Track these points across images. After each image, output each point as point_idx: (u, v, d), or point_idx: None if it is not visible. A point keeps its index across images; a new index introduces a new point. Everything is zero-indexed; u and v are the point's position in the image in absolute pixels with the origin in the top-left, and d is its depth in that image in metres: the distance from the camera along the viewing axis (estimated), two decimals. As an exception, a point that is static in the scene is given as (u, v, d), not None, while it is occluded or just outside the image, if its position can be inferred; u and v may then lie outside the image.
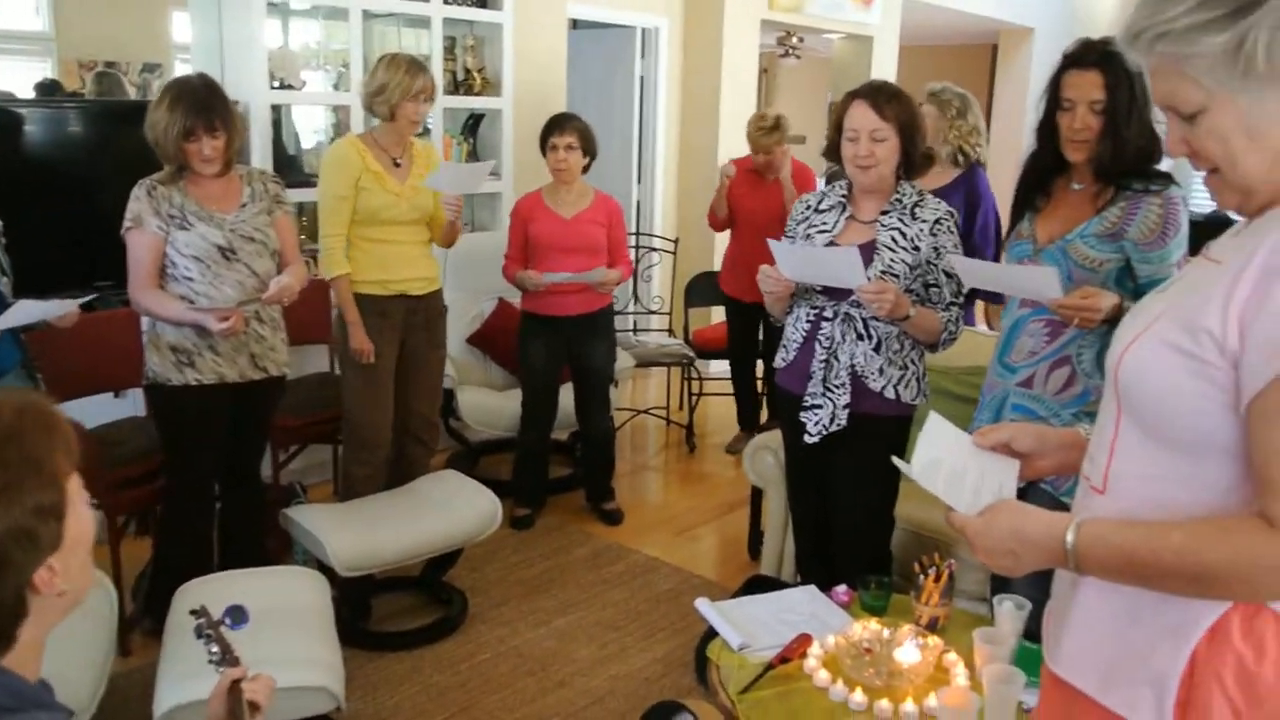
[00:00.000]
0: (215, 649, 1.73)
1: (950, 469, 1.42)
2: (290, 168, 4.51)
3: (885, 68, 7.46)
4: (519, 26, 5.10)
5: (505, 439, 4.53)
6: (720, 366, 5.52)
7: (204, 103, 2.87)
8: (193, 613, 1.82)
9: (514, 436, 4.31)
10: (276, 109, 4.47)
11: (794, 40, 9.22)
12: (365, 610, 3.38)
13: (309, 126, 5.12)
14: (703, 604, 2.51)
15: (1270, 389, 1.05)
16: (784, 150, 4.67)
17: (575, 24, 6.05)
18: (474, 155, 5.12)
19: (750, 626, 2.43)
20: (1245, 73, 1.10)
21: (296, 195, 4.27)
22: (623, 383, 4.88)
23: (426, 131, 4.80)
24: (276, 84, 4.30)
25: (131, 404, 3.68)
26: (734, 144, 5.69)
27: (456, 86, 4.99)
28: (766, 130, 4.62)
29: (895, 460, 1.42)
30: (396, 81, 3.34)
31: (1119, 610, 1.23)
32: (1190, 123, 1.17)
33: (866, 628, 2.33)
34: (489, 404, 4.41)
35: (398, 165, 3.48)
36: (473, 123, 5.18)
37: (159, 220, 2.91)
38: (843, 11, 6.97)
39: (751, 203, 4.68)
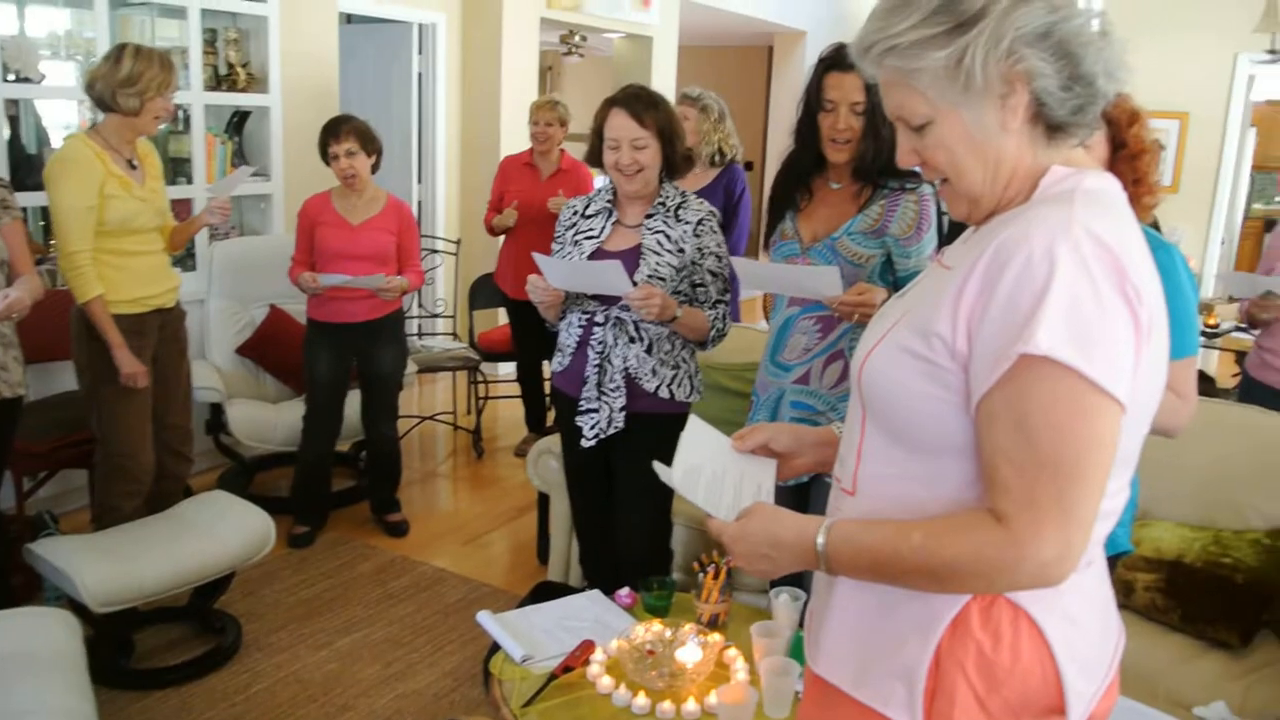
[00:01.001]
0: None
1: (710, 473, 1.43)
2: (30, 168, 4.13)
3: (665, 68, 7.58)
4: (286, 20, 4.86)
5: (283, 453, 4.32)
6: (509, 368, 5.47)
7: None
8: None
9: (292, 450, 4.11)
10: (14, 104, 4.10)
11: (576, 39, 9.24)
12: (127, 648, 3.13)
13: (58, 122, 4.71)
14: (484, 617, 2.46)
15: (994, 391, 1.09)
16: (560, 135, 4.70)
17: (349, 19, 5.83)
18: (239, 155, 4.86)
19: (533, 636, 2.40)
20: (965, 87, 1.15)
21: (42, 199, 3.93)
22: (407, 389, 4.74)
23: (183, 130, 4.52)
24: (11, 76, 3.93)
25: None
26: (516, 142, 5.63)
27: (219, 82, 4.71)
28: (549, 105, 4.67)
29: (656, 466, 1.42)
30: (152, 75, 3.09)
31: (870, 608, 1.26)
32: (919, 134, 1.22)
33: (649, 629, 2.33)
34: (262, 417, 4.18)
35: (134, 167, 3.23)
36: (238, 120, 4.91)
37: None
38: (622, 11, 7.02)
39: (527, 198, 4.64)
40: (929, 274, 1.30)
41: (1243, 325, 4.00)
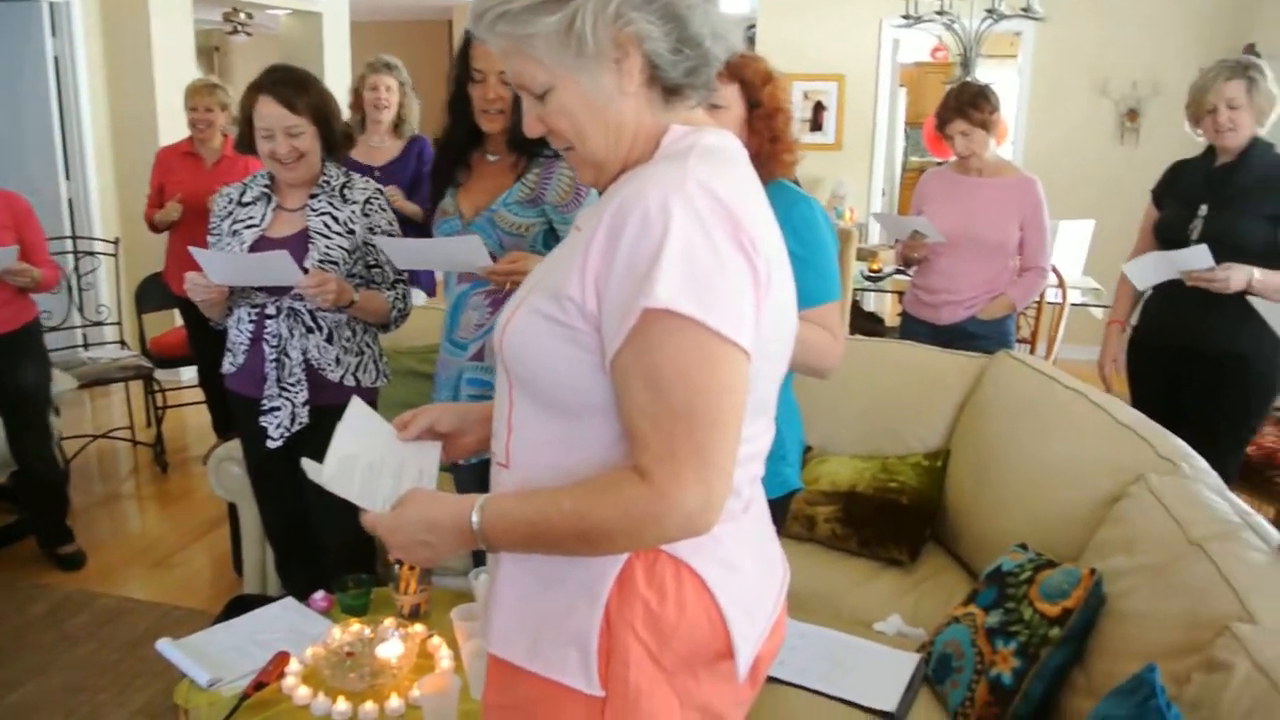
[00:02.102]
0: None
1: (367, 464, 1.36)
2: None
3: (338, 45, 7.28)
4: (-125, 0, 4.24)
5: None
6: (191, 373, 5.09)
7: None
8: None
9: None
10: None
11: (241, 16, 8.71)
12: None
13: None
14: (164, 644, 2.27)
15: (624, 348, 1.09)
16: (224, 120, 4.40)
17: (-38, -3, 5.18)
18: None
19: (222, 657, 2.25)
20: (579, 52, 1.15)
21: None
22: (73, 406, 4.31)
23: None
24: None
25: None
26: (177, 129, 5.21)
27: None
28: (206, 88, 4.37)
29: (305, 464, 1.33)
30: None
31: (536, 579, 1.24)
32: (542, 101, 1.20)
33: (347, 630, 2.24)
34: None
35: None
36: None
37: None
38: (285, -14, 6.68)
39: (191, 190, 4.30)
40: (568, 238, 1.29)
41: (902, 268, 4.35)
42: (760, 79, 2.00)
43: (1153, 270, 3.08)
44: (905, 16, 5.52)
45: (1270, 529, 2.08)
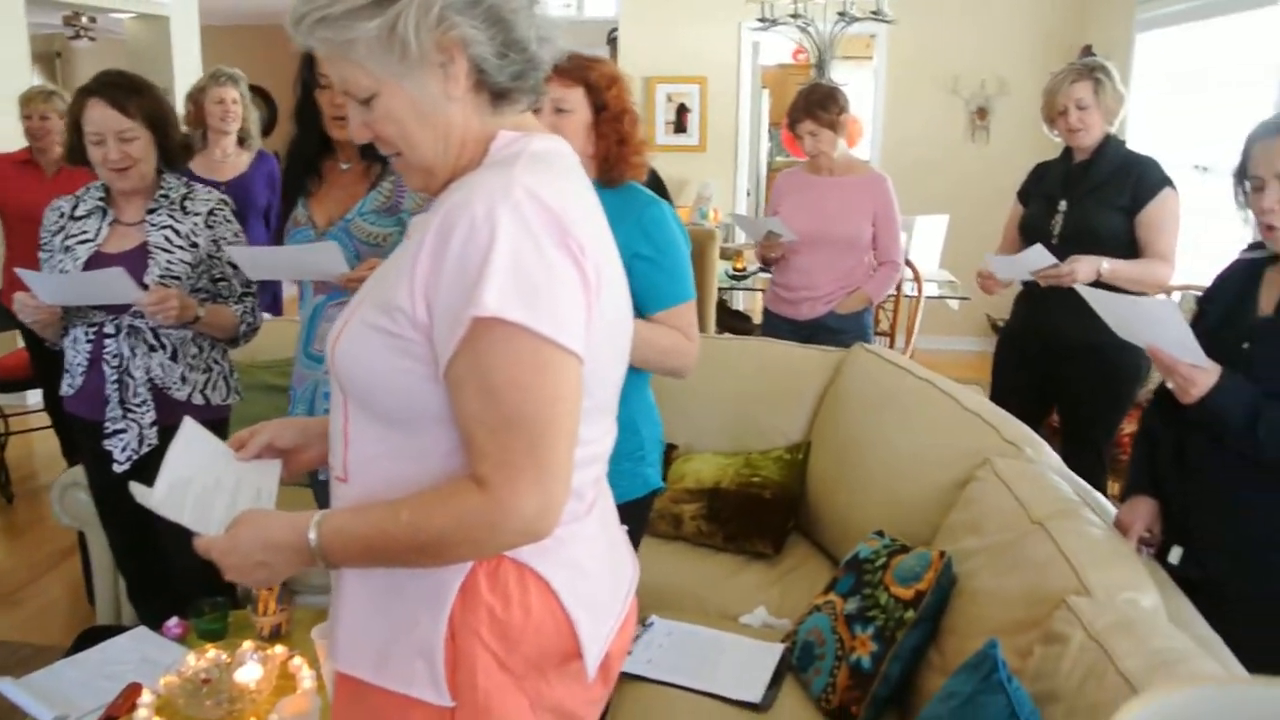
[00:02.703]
0: None
1: (201, 487, 1.31)
2: None
3: (188, 50, 7.03)
4: None
5: None
6: (38, 397, 4.83)
7: None
8: None
9: None
10: None
11: (84, 20, 8.35)
12: None
13: None
14: (4, 684, 2.15)
15: (457, 357, 1.09)
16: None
17: None
18: None
19: (69, 693, 2.15)
20: (403, 57, 1.14)
21: None
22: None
23: None
24: None
25: None
26: (13, 139, 4.94)
27: None
28: (42, 95, 4.16)
29: (133, 487, 1.28)
30: None
31: (378, 593, 1.23)
32: (367, 107, 1.18)
33: (202, 656, 2.16)
34: None
35: None
36: None
37: None
38: (127, -11, 6.41)
39: (27, 197, 4.07)
40: (398, 248, 1.27)
41: (764, 266, 4.43)
42: (605, 81, 2.01)
43: (1006, 271, 3.21)
44: (761, 19, 5.62)
45: (1107, 504, 2.20)
